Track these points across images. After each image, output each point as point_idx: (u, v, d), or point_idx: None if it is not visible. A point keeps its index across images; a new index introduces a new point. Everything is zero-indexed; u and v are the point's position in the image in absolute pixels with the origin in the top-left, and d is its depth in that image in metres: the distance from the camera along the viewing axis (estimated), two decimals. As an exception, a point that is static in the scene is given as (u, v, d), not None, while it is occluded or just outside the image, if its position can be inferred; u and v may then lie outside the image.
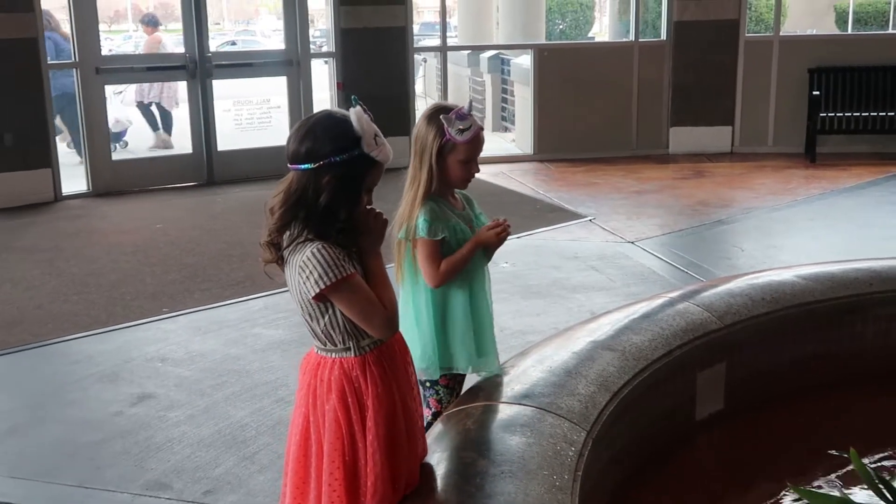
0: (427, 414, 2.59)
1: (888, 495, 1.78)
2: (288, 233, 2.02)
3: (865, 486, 2.07)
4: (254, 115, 8.69)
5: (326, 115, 2.07)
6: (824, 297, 3.37)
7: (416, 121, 2.71)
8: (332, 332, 2.02)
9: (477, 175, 2.60)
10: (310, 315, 2.03)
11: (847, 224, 6.54)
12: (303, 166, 2.00)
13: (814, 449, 3.05)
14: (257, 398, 3.80)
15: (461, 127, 2.49)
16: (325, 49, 9.11)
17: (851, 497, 2.26)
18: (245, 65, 8.68)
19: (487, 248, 2.57)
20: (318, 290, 1.95)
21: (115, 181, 7.78)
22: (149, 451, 3.37)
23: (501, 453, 2.17)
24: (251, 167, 8.18)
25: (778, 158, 8.81)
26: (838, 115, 8.80)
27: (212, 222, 6.88)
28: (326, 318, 2.01)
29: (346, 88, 8.33)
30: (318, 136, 2.00)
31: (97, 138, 7.73)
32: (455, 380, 2.66)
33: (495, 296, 2.72)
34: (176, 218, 7.02)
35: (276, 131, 8.51)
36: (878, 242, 5.85)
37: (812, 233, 6.38)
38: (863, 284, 3.47)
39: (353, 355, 2.03)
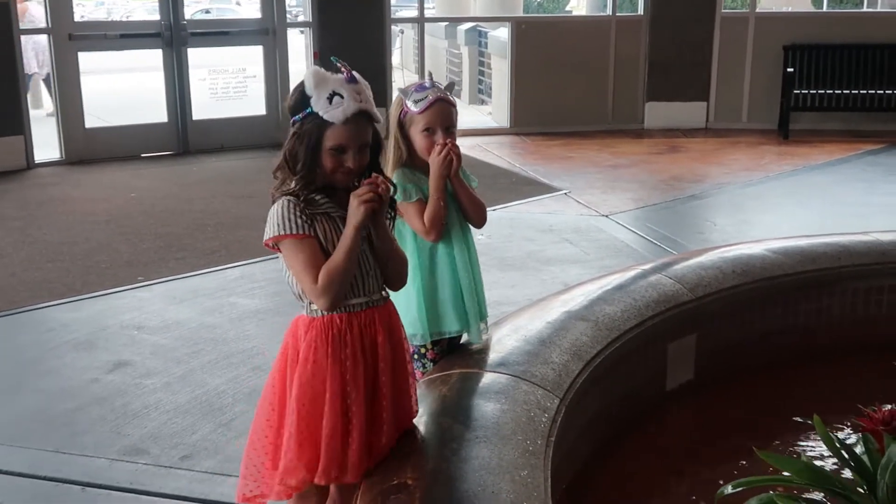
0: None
1: (848, 458, 1.85)
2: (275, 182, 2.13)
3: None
4: (229, 85, 8.63)
5: (310, 73, 2.10)
6: (793, 270, 3.44)
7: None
8: (292, 285, 2.11)
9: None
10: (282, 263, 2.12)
11: (818, 200, 6.64)
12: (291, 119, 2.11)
13: (781, 418, 3.13)
14: (234, 366, 3.83)
15: (416, 98, 2.52)
16: (301, 18, 9.06)
17: (815, 462, 2.33)
18: (221, 33, 8.63)
19: (451, 178, 2.53)
20: (265, 239, 2.06)
21: (89, 149, 7.72)
22: (125, 417, 3.40)
23: (477, 419, 2.22)
24: (226, 137, 8.16)
25: (752, 134, 8.90)
26: (812, 92, 8.89)
27: (187, 191, 6.86)
28: (286, 271, 2.11)
29: (323, 58, 8.31)
30: (294, 92, 2.10)
31: (70, 105, 7.66)
32: (443, 354, 2.69)
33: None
34: (150, 187, 7.00)
35: (251, 101, 8.49)
36: (849, 219, 5.94)
37: (784, 209, 6.47)
38: (831, 259, 3.55)
39: (305, 314, 2.09)
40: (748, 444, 2.96)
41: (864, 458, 1.86)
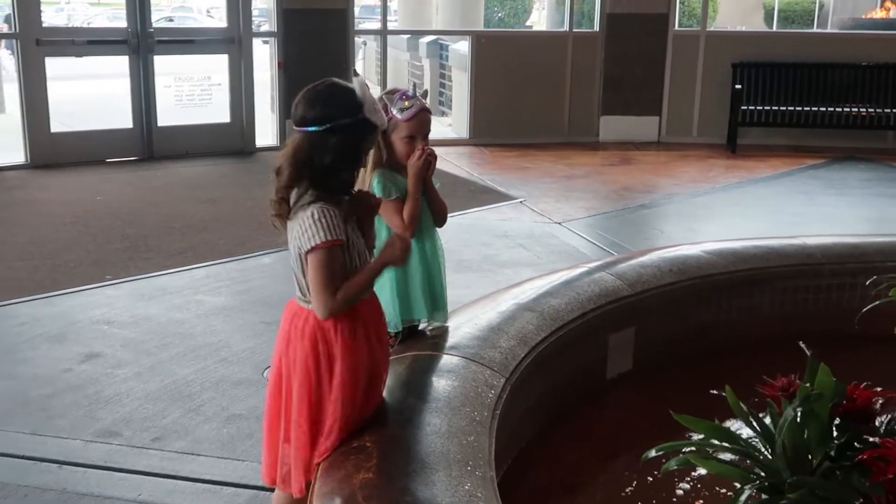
0: None
1: (754, 423, 2.12)
2: (296, 190, 2.22)
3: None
4: (194, 92, 8.80)
5: (333, 83, 2.29)
6: (726, 269, 3.74)
7: None
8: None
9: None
10: (299, 267, 2.25)
11: (761, 211, 6.98)
12: (311, 129, 2.21)
13: (710, 405, 3.40)
14: (201, 358, 4.03)
15: (402, 106, 2.75)
16: (265, 28, 9.27)
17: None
18: (187, 41, 8.81)
19: (425, 181, 2.77)
20: (310, 246, 2.16)
21: (54, 153, 7.86)
22: (98, 403, 3.58)
23: (430, 393, 2.46)
24: (191, 143, 8.35)
25: (701, 148, 9.27)
26: (758, 108, 9.28)
27: (153, 195, 7.03)
28: None
29: (287, 68, 8.53)
30: (327, 101, 2.23)
31: (36, 110, 7.79)
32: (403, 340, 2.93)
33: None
34: (116, 191, 7.16)
35: (216, 108, 8.67)
36: (788, 228, 6.24)
37: (728, 218, 6.81)
38: (761, 259, 3.85)
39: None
40: (681, 429, 3.24)
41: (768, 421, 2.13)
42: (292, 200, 2.23)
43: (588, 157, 8.84)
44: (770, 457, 2.04)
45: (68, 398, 3.62)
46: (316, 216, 2.16)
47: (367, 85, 2.27)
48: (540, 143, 9.27)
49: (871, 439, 1.98)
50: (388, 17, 9.90)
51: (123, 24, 8.26)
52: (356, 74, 2.30)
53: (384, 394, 2.40)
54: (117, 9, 8.58)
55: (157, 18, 14.67)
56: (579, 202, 7.06)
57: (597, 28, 9.52)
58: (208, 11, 21.25)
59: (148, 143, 8.26)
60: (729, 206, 7.17)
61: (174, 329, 4.35)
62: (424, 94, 2.82)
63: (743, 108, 9.19)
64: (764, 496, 1.98)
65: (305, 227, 2.17)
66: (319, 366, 2.24)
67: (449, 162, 8.33)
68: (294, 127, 2.26)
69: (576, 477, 3.03)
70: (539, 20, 21.97)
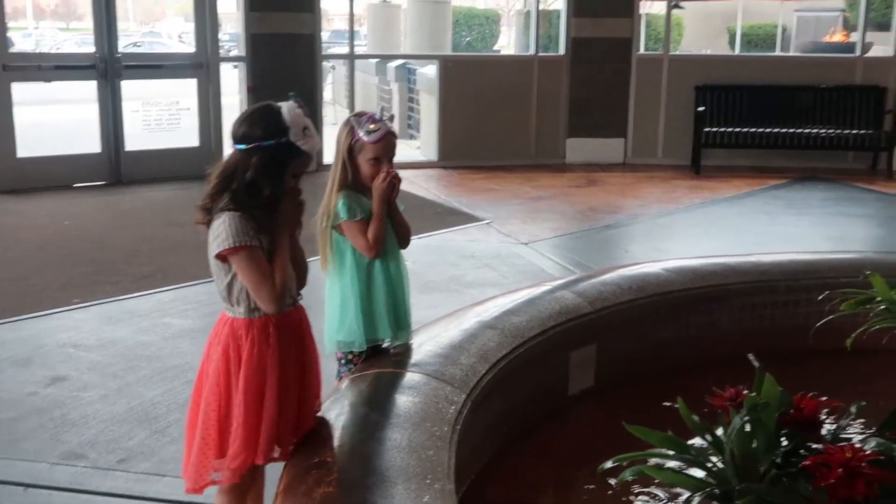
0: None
1: (706, 436, 2.18)
2: (219, 201, 2.32)
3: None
4: (162, 117, 8.82)
5: (265, 106, 2.39)
6: (684, 286, 3.82)
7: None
8: (229, 292, 2.34)
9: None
10: (215, 273, 2.36)
11: (724, 230, 7.11)
12: (239, 146, 2.34)
13: (668, 419, 3.47)
14: (168, 380, 4.04)
15: (370, 129, 2.82)
16: (234, 53, 9.32)
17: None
18: (155, 66, 8.85)
19: (390, 202, 2.83)
20: (217, 251, 2.28)
21: (21, 178, 7.84)
22: (64, 426, 3.59)
23: (390, 409, 2.51)
24: (159, 167, 8.36)
25: (666, 170, 9.41)
26: (722, 130, 9.44)
27: (120, 220, 7.03)
28: (228, 278, 2.33)
29: (256, 92, 8.58)
30: (253, 122, 2.34)
31: (2, 135, 7.78)
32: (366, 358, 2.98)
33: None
34: (84, 215, 7.15)
35: (184, 132, 8.69)
36: (750, 247, 6.38)
37: (692, 237, 6.93)
38: (719, 277, 3.94)
39: (243, 317, 2.34)
40: (642, 444, 3.31)
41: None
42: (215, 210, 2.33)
43: (555, 179, 8.95)
44: (720, 465, 2.11)
45: (34, 421, 3.63)
46: (226, 222, 2.27)
47: (299, 109, 2.35)
48: (507, 166, 9.38)
49: (814, 446, 2.05)
50: (357, 42, 9.99)
51: (92, 48, 8.28)
52: (291, 97, 2.38)
53: (341, 406, 2.45)
54: (85, 34, 8.60)
55: (126, 44, 14.72)
56: (546, 223, 7.15)
57: (562, 52, 9.66)
58: (179, 37, 21.29)
59: (116, 167, 8.26)
60: (693, 225, 7.28)
61: (141, 352, 4.36)
62: (391, 119, 2.89)
63: (706, 129, 9.35)
64: (714, 503, 2.04)
65: (216, 234, 2.28)
66: (229, 370, 2.33)
67: (417, 184, 8.41)
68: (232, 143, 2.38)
69: (537, 493, 3.08)
70: (508, 44, 22.22)
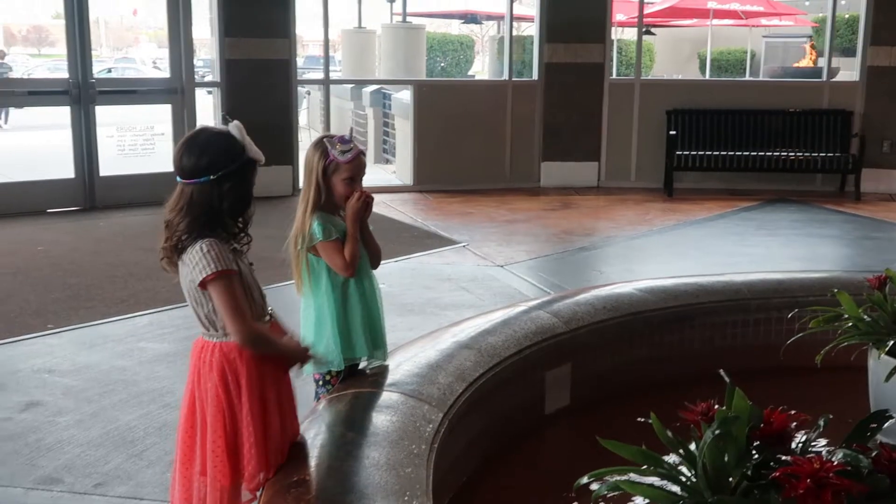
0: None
1: (680, 450, 2.23)
2: (187, 236, 2.31)
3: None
4: (137, 142, 8.83)
5: (210, 131, 2.41)
6: (657, 306, 3.87)
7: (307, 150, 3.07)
8: (213, 318, 2.35)
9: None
10: (196, 301, 2.35)
11: (696, 251, 7.20)
12: (202, 179, 2.31)
13: (644, 436, 3.51)
14: (144, 404, 4.04)
15: (342, 149, 2.86)
16: (209, 79, 9.35)
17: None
18: (129, 92, 8.86)
19: (363, 222, 2.87)
20: (202, 277, 2.27)
21: (-7, 204, 7.80)
22: (39, 451, 3.57)
23: (368, 428, 2.53)
24: (134, 193, 8.33)
25: (639, 192, 9.53)
26: (693, 153, 9.58)
27: (95, 245, 7.02)
28: (210, 305, 2.33)
29: (231, 118, 8.58)
30: (211, 150, 2.33)
31: (-24, 161, 7.76)
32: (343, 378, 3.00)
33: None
34: (58, 241, 7.13)
35: (159, 158, 8.67)
36: (722, 267, 6.46)
37: (665, 258, 7.01)
38: (690, 296, 4.00)
39: (230, 340, 2.35)
40: (616, 460, 3.35)
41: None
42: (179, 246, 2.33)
43: (529, 202, 9.03)
44: (693, 479, 2.15)
45: (8, 447, 3.61)
46: (205, 249, 2.27)
47: (241, 127, 2.39)
48: (482, 189, 9.45)
49: (784, 458, 2.10)
50: (332, 67, 10.05)
51: (65, 74, 8.28)
52: (227, 120, 2.41)
53: (319, 426, 2.48)
54: (58, 60, 8.61)
55: (99, 69, 14.73)
56: (521, 245, 7.21)
57: (536, 77, 9.78)
58: (154, 62, 21.32)
59: (90, 192, 8.24)
60: (665, 247, 7.38)
61: (117, 376, 4.36)
62: (351, 136, 2.94)
63: (678, 153, 9.48)
64: (687, 516, 2.09)
65: (196, 262, 2.28)
66: (230, 394, 2.34)
67: (393, 208, 8.46)
68: (181, 179, 2.34)
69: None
70: (482, 70, 22.41)
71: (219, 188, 2.31)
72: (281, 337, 2.48)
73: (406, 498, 2.19)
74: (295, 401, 2.54)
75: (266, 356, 2.38)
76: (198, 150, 2.33)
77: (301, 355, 2.48)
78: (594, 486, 2.32)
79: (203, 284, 2.29)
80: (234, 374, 2.34)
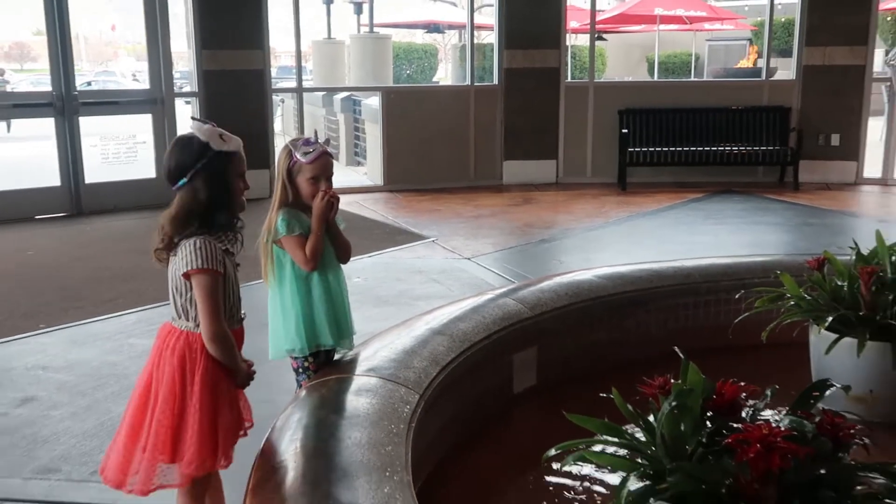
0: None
1: (640, 421, 2.27)
2: (180, 235, 2.37)
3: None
4: (120, 151, 8.74)
5: (178, 138, 2.46)
6: (615, 291, 3.92)
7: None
8: (189, 308, 2.37)
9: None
10: (176, 289, 2.38)
11: (650, 240, 7.27)
12: (181, 182, 2.37)
13: (606, 410, 3.55)
14: (135, 397, 4.00)
15: (305, 150, 2.87)
16: (187, 89, 9.27)
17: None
18: (111, 103, 8.76)
19: (328, 222, 2.87)
20: (187, 269, 2.30)
21: (-18, 212, 7.69)
22: (36, 443, 3.54)
23: (349, 410, 2.54)
24: (118, 198, 8.27)
25: (595, 187, 9.60)
26: (644, 149, 9.67)
27: (82, 249, 6.94)
28: (188, 295, 2.36)
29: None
30: (177, 155, 2.38)
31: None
32: (322, 366, 3.00)
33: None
34: (46, 246, 7.04)
35: (142, 165, 8.61)
36: (674, 254, 6.46)
37: (620, 247, 7.07)
38: (645, 282, 4.05)
39: (197, 331, 2.38)
40: (583, 435, 3.38)
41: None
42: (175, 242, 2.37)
43: (493, 199, 9.06)
44: (653, 447, 2.19)
45: (5, 440, 3.57)
46: (197, 245, 2.32)
47: (205, 124, 2.40)
48: (449, 188, 9.47)
49: (735, 426, 2.14)
50: (304, 76, 10.02)
51: (48, 87, 8.17)
52: (194, 119, 2.44)
53: (303, 410, 2.50)
54: (41, 74, 8.51)
55: (80, 83, 14.56)
56: (487, 239, 7.24)
57: (496, 82, 9.80)
58: (133, 75, 21.08)
59: (76, 199, 8.15)
60: (620, 237, 7.44)
61: (108, 371, 4.32)
62: (326, 142, 2.94)
63: (630, 149, 9.56)
64: (647, 482, 2.12)
65: (186, 253, 2.31)
66: (185, 381, 2.36)
67: (365, 207, 8.45)
68: (172, 188, 2.41)
69: (489, 482, 3.13)
70: (446, 76, 22.42)
71: (195, 186, 2.35)
72: (241, 346, 2.50)
73: (387, 473, 2.20)
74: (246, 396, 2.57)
75: (219, 361, 2.39)
76: (169, 157, 2.41)
77: (244, 379, 2.49)
78: (561, 458, 2.35)
79: (187, 275, 2.32)
80: (192, 364, 2.37)
